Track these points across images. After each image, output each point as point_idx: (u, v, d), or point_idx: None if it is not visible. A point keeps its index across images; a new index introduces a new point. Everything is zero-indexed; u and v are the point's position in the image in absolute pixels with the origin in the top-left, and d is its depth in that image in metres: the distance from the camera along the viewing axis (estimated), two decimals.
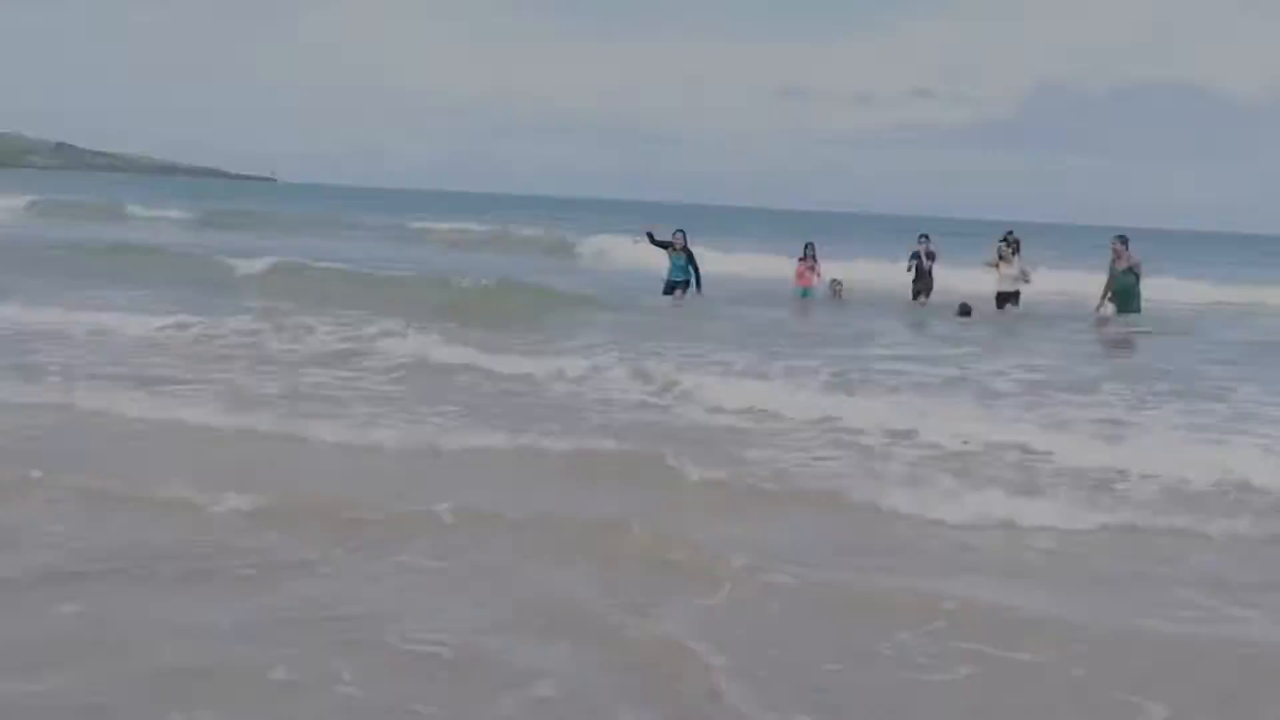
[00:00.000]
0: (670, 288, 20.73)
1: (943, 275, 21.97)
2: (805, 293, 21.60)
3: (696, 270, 20.79)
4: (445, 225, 44.52)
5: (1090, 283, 20.90)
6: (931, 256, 21.47)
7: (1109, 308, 18.91)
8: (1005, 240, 20.73)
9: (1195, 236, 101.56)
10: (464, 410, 9.25)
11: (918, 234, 22.29)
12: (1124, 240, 19.21)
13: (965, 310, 19.24)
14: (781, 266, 24.51)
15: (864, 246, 35.46)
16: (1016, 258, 20.02)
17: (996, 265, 20.18)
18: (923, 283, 21.46)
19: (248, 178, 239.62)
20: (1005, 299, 19.93)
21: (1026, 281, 20.09)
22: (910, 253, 21.95)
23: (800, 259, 22.06)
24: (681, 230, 21.03)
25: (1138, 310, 18.88)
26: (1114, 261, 19.14)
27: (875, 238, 52.37)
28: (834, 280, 22.02)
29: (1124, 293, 18.97)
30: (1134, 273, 19.00)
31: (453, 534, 5.99)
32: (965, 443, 8.37)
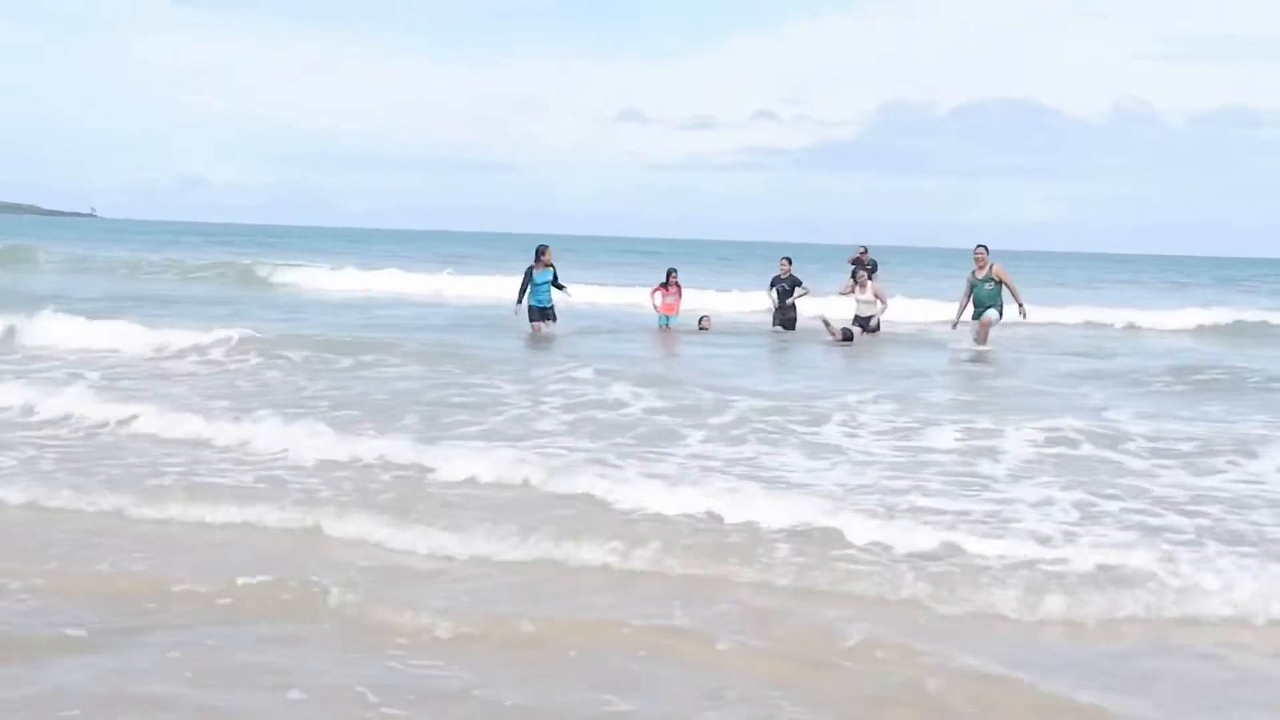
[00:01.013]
0: (539, 314, 18.84)
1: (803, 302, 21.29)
2: (668, 320, 20.61)
3: (561, 286, 19.20)
4: (157, 256, 43.38)
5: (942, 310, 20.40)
6: (796, 283, 20.46)
7: (970, 322, 18.14)
8: (858, 261, 20.80)
9: (1047, 256, 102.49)
10: None
11: (780, 257, 21.27)
12: (985, 248, 18.24)
13: (847, 336, 18.84)
14: (633, 296, 24.23)
15: (715, 277, 35.40)
16: (871, 281, 19.68)
17: (851, 290, 19.70)
18: (783, 314, 20.48)
19: (63, 214, 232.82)
20: (862, 324, 19.29)
21: (883, 306, 19.69)
22: (771, 279, 20.99)
23: (662, 286, 20.93)
24: (547, 246, 19.31)
25: (1000, 313, 18.13)
26: (974, 271, 18.22)
27: (711, 265, 52.24)
28: (702, 317, 21.00)
29: (983, 302, 18.11)
30: (995, 279, 18.02)
31: None
32: None
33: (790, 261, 20.86)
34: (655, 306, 20.82)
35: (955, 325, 18.61)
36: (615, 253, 79.16)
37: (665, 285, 20.87)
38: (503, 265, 38.05)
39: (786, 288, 20.46)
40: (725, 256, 76.86)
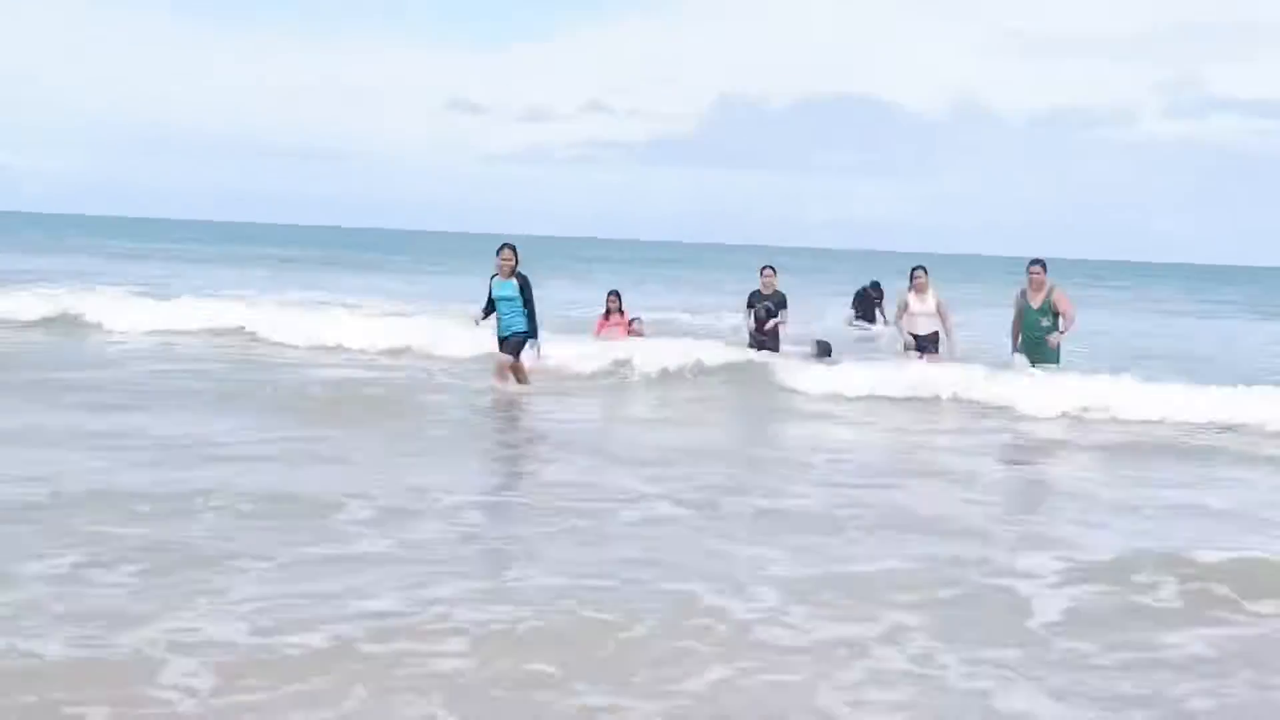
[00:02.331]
0: (508, 346, 13.59)
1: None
2: None
3: (532, 309, 13.58)
4: None
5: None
6: (781, 304, 16.33)
7: (1020, 359, 14.52)
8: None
9: (891, 257, 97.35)
10: None
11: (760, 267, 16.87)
12: (1043, 265, 14.40)
13: (825, 350, 16.87)
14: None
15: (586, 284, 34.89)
16: (932, 290, 16.09)
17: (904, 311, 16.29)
18: (759, 337, 16.33)
19: None
20: (921, 346, 15.76)
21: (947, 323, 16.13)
22: (750, 294, 16.64)
23: (603, 318, 17.31)
24: (510, 245, 13.80)
25: (1056, 361, 14.39)
26: (1026, 293, 14.40)
27: (575, 271, 50.10)
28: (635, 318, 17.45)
29: (1038, 339, 14.36)
30: (1053, 309, 14.35)
31: None
32: None
33: (774, 272, 16.56)
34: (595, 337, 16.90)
35: (1014, 353, 14.70)
36: (465, 251, 72.15)
37: (606, 316, 17.24)
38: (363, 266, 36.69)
39: (771, 308, 16.33)
40: (585, 259, 73.10)
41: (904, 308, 15.93)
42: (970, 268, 78.90)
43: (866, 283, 23.15)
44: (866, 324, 22.15)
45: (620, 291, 17.96)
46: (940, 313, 15.70)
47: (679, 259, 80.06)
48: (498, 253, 13.68)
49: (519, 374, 13.67)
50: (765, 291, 16.46)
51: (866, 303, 22.83)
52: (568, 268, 52.48)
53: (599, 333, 17.16)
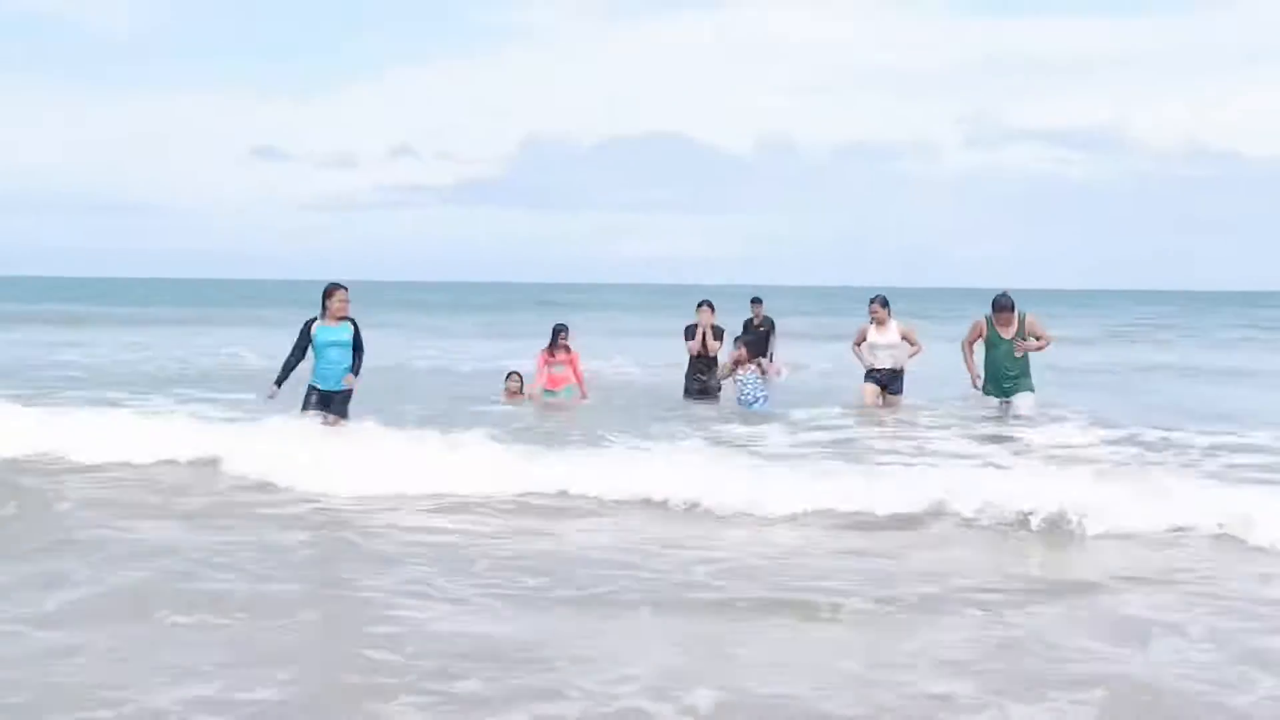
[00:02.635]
0: (320, 397, 11.69)
1: None
2: (553, 395, 15.39)
3: (361, 355, 11.85)
4: None
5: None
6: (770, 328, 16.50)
7: (985, 393, 13.63)
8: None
9: (701, 291, 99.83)
10: None
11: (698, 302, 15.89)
12: (1011, 305, 13.35)
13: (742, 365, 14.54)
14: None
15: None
16: (893, 319, 14.81)
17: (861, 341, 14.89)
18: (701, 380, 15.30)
19: None
20: (881, 381, 14.59)
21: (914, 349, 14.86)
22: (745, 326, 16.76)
23: (547, 351, 15.58)
24: (342, 285, 11.96)
25: (1030, 389, 13.56)
26: (991, 322, 13.54)
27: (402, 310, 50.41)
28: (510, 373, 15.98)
29: (1003, 368, 13.46)
30: (1026, 335, 13.49)
31: None
32: None
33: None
34: (537, 384, 15.46)
35: (976, 384, 13.78)
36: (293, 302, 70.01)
37: (552, 349, 15.69)
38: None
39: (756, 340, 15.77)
40: (410, 300, 73.71)
41: (862, 338, 14.76)
42: (787, 299, 79.14)
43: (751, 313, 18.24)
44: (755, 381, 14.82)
45: (567, 328, 15.72)
46: (907, 337, 14.55)
47: (497, 302, 78.72)
48: (329, 295, 11.75)
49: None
50: (756, 322, 16.14)
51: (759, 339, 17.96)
52: (383, 314, 50.80)
53: (543, 368, 15.42)
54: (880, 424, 13.50)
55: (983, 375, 13.61)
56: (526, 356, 17.80)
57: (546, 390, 15.40)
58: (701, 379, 15.18)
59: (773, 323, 18.35)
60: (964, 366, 13.90)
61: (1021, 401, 13.43)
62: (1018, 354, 13.39)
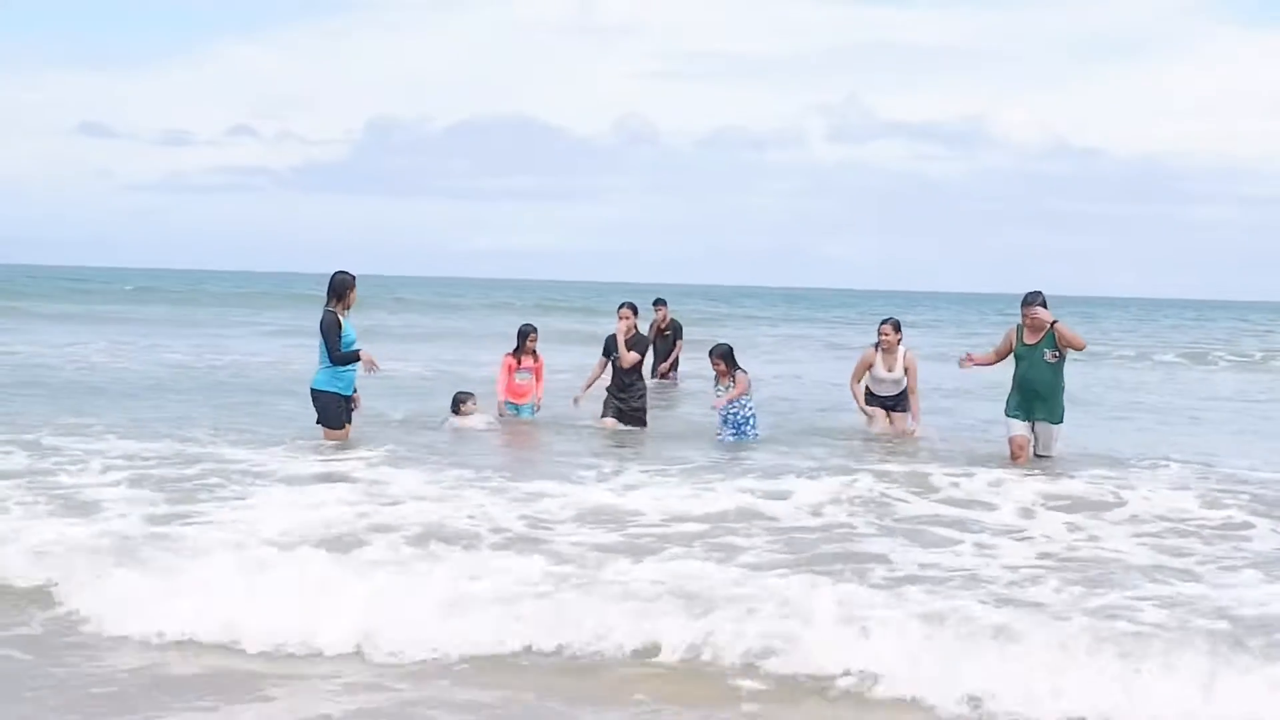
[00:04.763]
0: (345, 406, 11.17)
1: None
2: (518, 410, 13.38)
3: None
4: None
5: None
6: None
7: (1015, 424, 11.17)
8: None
9: (557, 285, 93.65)
10: None
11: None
12: (1042, 301, 11.05)
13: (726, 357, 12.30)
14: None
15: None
16: (901, 346, 12.72)
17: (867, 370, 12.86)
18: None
19: None
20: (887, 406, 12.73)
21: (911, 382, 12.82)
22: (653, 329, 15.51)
23: (512, 354, 13.43)
24: (349, 274, 11.19)
25: (1059, 420, 11.15)
26: (1021, 328, 11.13)
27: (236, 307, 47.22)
28: (465, 399, 13.01)
29: (1034, 388, 11.01)
30: (1059, 352, 11.04)
31: None
32: None
33: (634, 312, 13.31)
34: (500, 395, 13.44)
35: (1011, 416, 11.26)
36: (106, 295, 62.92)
37: (518, 353, 13.54)
38: None
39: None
40: (230, 298, 63.66)
41: (866, 368, 12.61)
42: (647, 296, 78.49)
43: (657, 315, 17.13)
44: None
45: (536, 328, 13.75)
46: (909, 376, 12.40)
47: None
48: (350, 287, 11.09)
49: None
50: (625, 337, 13.00)
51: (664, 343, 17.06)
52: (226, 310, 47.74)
53: (511, 375, 13.40)
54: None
55: (1011, 393, 11.25)
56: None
57: (509, 403, 13.34)
58: (622, 397, 12.96)
59: (679, 327, 17.51)
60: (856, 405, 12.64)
61: (1046, 433, 11.14)
62: (1049, 359, 10.98)
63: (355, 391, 11.17)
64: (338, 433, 11.04)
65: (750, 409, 12.20)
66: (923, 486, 9.47)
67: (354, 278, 11.14)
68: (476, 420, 12.76)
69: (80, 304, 44.42)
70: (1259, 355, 32.65)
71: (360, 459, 10.18)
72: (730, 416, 12.12)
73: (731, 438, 12.05)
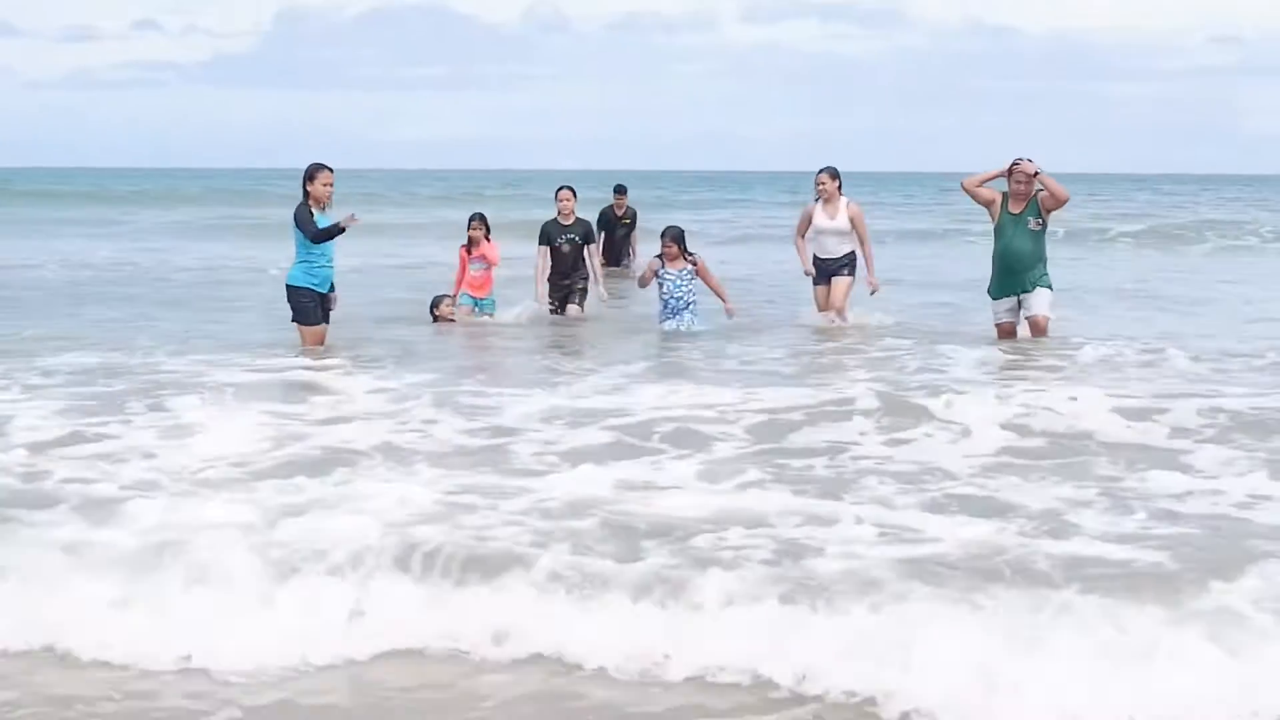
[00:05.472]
0: (320, 304, 10.67)
1: None
2: (478, 304, 12.70)
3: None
4: None
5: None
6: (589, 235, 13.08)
7: (998, 304, 10.87)
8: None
9: (479, 175, 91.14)
10: None
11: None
12: (1029, 163, 10.42)
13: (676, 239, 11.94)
14: None
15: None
16: (843, 197, 12.32)
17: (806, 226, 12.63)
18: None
19: None
20: (827, 269, 12.24)
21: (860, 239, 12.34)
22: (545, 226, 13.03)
23: (465, 246, 12.74)
24: (327, 167, 10.61)
25: (1049, 285, 10.72)
26: (1006, 197, 10.63)
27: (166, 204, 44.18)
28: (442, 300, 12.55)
29: (1017, 259, 10.58)
30: (1042, 220, 10.62)
31: None
32: None
33: (573, 194, 12.96)
34: (456, 289, 12.77)
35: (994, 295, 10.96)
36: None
37: (469, 245, 12.76)
38: None
39: (576, 241, 12.85)
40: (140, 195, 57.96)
41: (806, 222, 12.28)
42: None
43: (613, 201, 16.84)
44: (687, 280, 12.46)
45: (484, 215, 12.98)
46: (856, 227, 12.04)
47: (259, 188, 62.22)
48: (313, 177, 10.41)
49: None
50: (565, 221, 12.74)
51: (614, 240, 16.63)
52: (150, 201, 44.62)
53: (464, 266, 12.71)
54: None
55: (992, 271, 10.90)
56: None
57: (465, 294, 12.62)
58: (565, 284, 12.67)
59: (635, 214, 17.03)
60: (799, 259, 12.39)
61: (1037, 300, 10.68)
62: (1033, 227, 10.56)
63: (333, 290, 10.65)
64: (314, 330, 10.50)
65: (694, 295, 11.86)
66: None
67: (321, 166, 10.46)
68: (508, 314, 12.55)
69: None
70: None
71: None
72: (673, 302, 11.77)
73: (670, 324, 11.71)
